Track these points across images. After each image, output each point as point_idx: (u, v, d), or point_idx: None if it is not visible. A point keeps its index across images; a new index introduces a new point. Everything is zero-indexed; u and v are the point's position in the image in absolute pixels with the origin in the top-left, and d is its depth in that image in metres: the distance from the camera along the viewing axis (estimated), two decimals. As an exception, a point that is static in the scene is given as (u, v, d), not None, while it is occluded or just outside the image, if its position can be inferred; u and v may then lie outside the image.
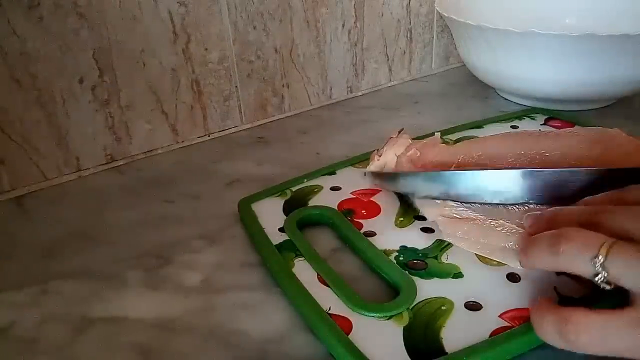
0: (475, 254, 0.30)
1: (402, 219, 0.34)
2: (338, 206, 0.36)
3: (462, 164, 0.36)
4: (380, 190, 0.37)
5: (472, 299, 0.27)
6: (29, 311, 0.30)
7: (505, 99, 0.56)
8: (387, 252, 0.31)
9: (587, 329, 0.21)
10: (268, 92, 0.52)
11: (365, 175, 0.37)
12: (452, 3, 0.55)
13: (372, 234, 0.33)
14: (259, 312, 0.28)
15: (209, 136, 0.50)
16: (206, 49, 0.46)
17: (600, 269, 0.22)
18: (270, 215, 0.35)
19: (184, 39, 0.45)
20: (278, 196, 0.37)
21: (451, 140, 0.43)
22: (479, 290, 0.28)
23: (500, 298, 0.27)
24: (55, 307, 0.30)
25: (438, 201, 0.33)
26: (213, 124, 0.49)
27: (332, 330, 0.25)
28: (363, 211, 0.35)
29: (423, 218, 0.34)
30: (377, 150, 0.37)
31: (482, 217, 0.31)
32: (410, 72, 0.63)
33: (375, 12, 0.57)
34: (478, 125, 0.47)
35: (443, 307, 0.27)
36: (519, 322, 0.25)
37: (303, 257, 0.31)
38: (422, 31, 0.62)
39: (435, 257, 0.30)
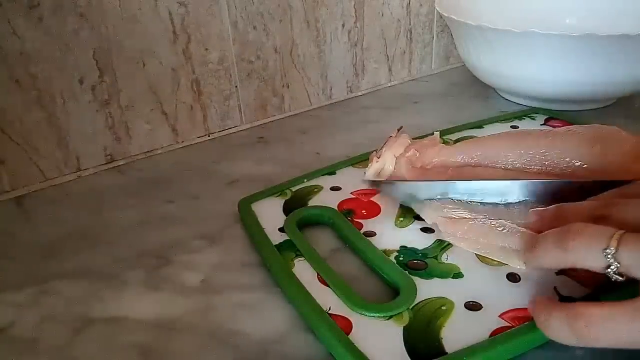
0: (475, 254, 0.30)
1: (402, 219, 0.34)
2: (338, 206, 0.36)
3: (462, 164, 0.36)
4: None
5: (472, 299, 0.27)
6: (29, 311, 0.30)
7: (505, 99, 0.56)
8: (387, 252, 0.31)
9: (598, 323, 0.21)
10: (268, 92, 0.52)
11: (363, 181, 0.37)
12: (452, 3, 0.55)
13: (372, 234, 0.33)
14: (259, 312, 0.28)
15: (209, 136, 0.50)
16: (206, 49, 0.46)
17: (612, 260, 0.22)
18: (270, 215, 0.35)
19: (184, 39, 0.45)
20: (278, 196, 0.37)
21: (451, 140, 0.43)
22: (479, 290, 0.28)
23: (500, 298, 0.27)
24: (55, 307, 0.30)
25: (436, 203, 0.33)
26: (213, 124, 0.49)
27: (332, 330, 0.25)
28: (363, 211, 0.35)
29: (423, 218, 0.34)
30: (376, 151, 0.37)
31: (482, 217, 0.31)
32: (410, 72, 0.63)
33: (375, 12, 0.57)
34: (478, 125, 0.47)
35: (443, 307, 0.27)
36: (519, 322, 0.25)
37: (303, 257, 0.31)
38: (422, 31, 0.62)
39: (435, 257, 0.30)
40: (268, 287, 0.30)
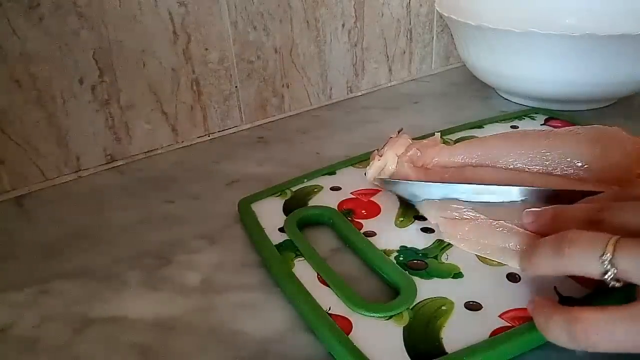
0: (476, 254, 0.30)
1: (402, 219, 0.34)
2: (338, 206, 0.36)
3: (463, 164, 0.36)
4: (380, 190, 0.37)
5: (472, 299, 0.27)
6: (29, 311, 0.30)
7: (505, 99, 0.56)
8: (387, 252, 0.31)
9: (597, 327, 0.21)
10: (268, 92, 0.52)
11: (375, 179, 0.37)
12: (452, 3, 0.55)
13: (372, 234, 0.33)
14: (259, 312, 0.28)
15: (209, 136, 0.50)
16: (206, 49, 0.46)
17: (609, 267, 0.22)
18: (270, 215, 0.35)
19: (184, 39, 0.45)
20: (278, 196, 0.37)
21: (451, 140, 0.43)
22: (479, 290, 0.28)
23: (500, 298, 0.27)
24: (55, 307, 0.30)
25: (439, 201, 0.33)
26: (213, 124, 0.49)
27: (332, 330, 0.25)
28: (363, 211, 0.35)
29: (423, 218, 0.34)
30: (378, 150, 0.37)
31: (482, 217, 0.31)
32: (410, 72, 0.63)
33: (375, 12, 0.57)
34: (478, 125, 0.47)
35: (443, 307, 0.27)
36: (519, 322, 0.25)
37: (303, 257, 0.31)
38: (422, 31, 0.62)
39: (435, 257, 0.30)
40: (268, 287, 0.30)
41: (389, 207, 0.35)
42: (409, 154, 0.36)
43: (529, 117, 0.48)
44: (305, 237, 0.32)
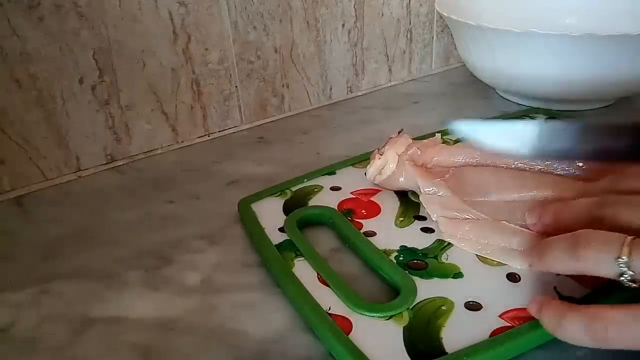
0: (476, 254, 0.30)
1: (402, 219, 0.34)
2: (338, 206, 0.36)
3: (463, 164, 0.36)
4: (380, 190, 0.37)
5: (472, 299, 0.27)
6: (29, 311, 0.30)
7: (505, 99, 0.56)
8: (387, 252, 0.31)
9: (619, 325, 0.21)
10: (268, 92, 0.52)
11: (365, 174, 0.37)
12: (452, 3, 0.55)
13: (372, 234, 0.33)
14: (259, 312, 0.28)
15: (209, 136, 0.50)
16: (206, 49, 0.46)
17: (625, 269, 0.22)
18: (270, 215, 0.35)
19: (184, 39, 0.45)
20: (278, 196, 0.37)
21: (451, 140, 0.43)
22: (479, 290, 0.28)
23: (500, 298, 0.27)
24: (55, 307, 0.30)
25: (442, 197, 0.33)
26: (213, 124, 0.49)
27: (332, 330, 0.25)
28: (363, 211, 0.35)
29: (423, 218, 0.34)
30: (378, 149, 0.37)
31: (483, 217, 0.31)
32: (410, 72, 0.63)
33: (375, 12, 0.57)
34: (478, 125, 0.47)
35: (443, 307, 0.27)
36: (519, 322, 0.25)
37: (303, 257, 0.31)
38: (422, 31, 0.62)
39: (435, 257, 0.30)
40: (268, 287, 0.30)
41: (389, 207, 0.35)
42: (409, 152, 0.36)
43: (529, 117, 0.48)
44: (305, 237, 0.32)
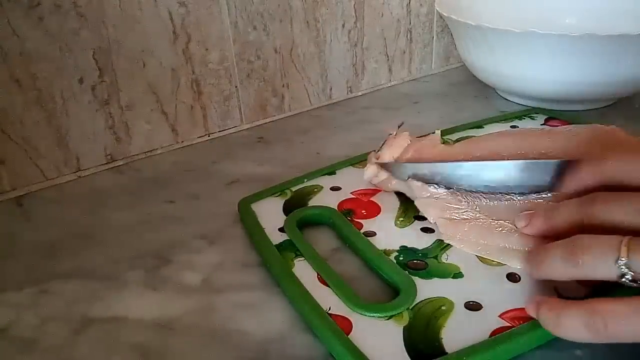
0: (475, 254, 0.30)
1: (402, 219, 0.34)
2: (338, 206, 0.36)
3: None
4: (380, 191, 0.37)
5: (472, 299, 0.27)
6: (29, 311, 0.30)
7: (505, 99, 0.56)
8: (387, 252, 0.31)
9: (619, 319, 0.21)
10: (268, 92, 0.52)
11: (365, 172, 0.37)
12: (452, 3, 0.55)
13: (372, 234, 0.33)
14: (259, 312, 0.28)
15: (209, 136, 0.50)
16: (206, 49, 0.46)
17: (625, 270, 0.22)
18: (270, 215, 0.35)
19: (184, 39, 0.45)
20: (278, 196, 0.37)
21: (451, 140, 0.43)
22: (479, 290, 0.28)
23: (500, 298, 0.27)
24: (55, 307, 0.30)
25: (437, 200, 0.33)
26: (213, 124, 0.49)
27: (332, 330, 0.25)
28: (363, 211, 0.35)
29: (423, 218, 0.34)
30: (375, 151, 0.37)
31: (482, 217, 0.31)
32: (410, 72, 0.63)
33: (375, 12, 0.57)
34: (478, 125, 0.47)
35: (443, 307, 0.27)
36: (519, 322, 0.25)
37: (303, 257, 0.31)
38: (422, 31, 0.62)
39: (435, 257, 0.30)
40: (268, 287, 0.30)
41: (389, 207, 0.35)
42: (405, 157, 0.36)
43: (529, 117, 0.48)
44: (305, 237, 0.32)
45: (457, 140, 0.42)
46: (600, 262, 0.23)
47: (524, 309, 0.26)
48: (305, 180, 0.39)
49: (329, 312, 0.27)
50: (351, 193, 0.37)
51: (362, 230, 0.33)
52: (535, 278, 0.27)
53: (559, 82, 0.48)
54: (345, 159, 0.41)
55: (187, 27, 0.45)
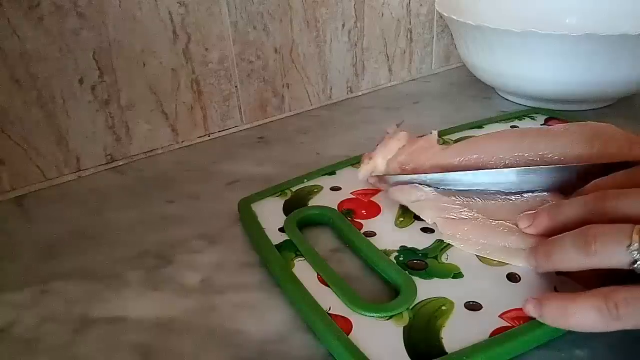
0: (476, 254, 0.30)
1: (402, 219, 0.34)
2: (338, 206, 0.36)
3: (458, 167, 0.36)
4: (380, 190, 0.37)
5: (472, 299, 0.27)
6: (29, 311, 0.30)
7: (505, 99, 0.56)
8: (387, 252, 0.31)
9: (628, 299, 0.22)
10: (268, 92, 0.52)
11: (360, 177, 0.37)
12: (452, 3, 0.55)
13: (372, 234, 0.33)
14: (259, 312, 0.28)
15: (209, 136, 0.50)
16: (206, 49, 0.46)
17: (638, 256, 0.22)
18: (270, 215, 0.35)
19: (184, 39, 0.45)
20: (278, 196, 0.37)
21: (451, 140, 0.43)
22: (479, 290, 0.28)
23: (500, 298, 0.27)
24: (55, 307, 0.30)
25: (434, 202, 0.33)
26: (213, 124, 0.49)
27: (332, 330, 0.25)
28: (363, 211, 0.35)
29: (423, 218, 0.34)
30: (369, 152, 0.37)
31: (482, 217, 0.31)
32: (411, 72, 0.63)
33: (375, 12, 0.57)
34: (478, 125, 0.47)
35: (443, 307, 0.27)
36: (519, 322, 0.25)
37: (303, 257, 0.31)
38: (422, 31, 0.62)
39: (435, 257, 0.30)
40: (268, 287, 0.30)
41: (389, 207, 0.35)
42: (398, 159, 0.36)
43: (529, 117, 0.48)
44: (305, 237, 0.32)
45: (457, 141, 0.42)
46: (613, 249, 0.23)
47: (523, 309, 0.26)
48: (305, 180, 0.39)
49: (329, 312, 0.27)
50: (351, 193, 0.37)
51: (362, 230, 0.33)
52: (543, 270, 0.27)
53: (559, 82, 0.48)
54: (345, 159, 0.42)
55: (187, 27, 0.45)
